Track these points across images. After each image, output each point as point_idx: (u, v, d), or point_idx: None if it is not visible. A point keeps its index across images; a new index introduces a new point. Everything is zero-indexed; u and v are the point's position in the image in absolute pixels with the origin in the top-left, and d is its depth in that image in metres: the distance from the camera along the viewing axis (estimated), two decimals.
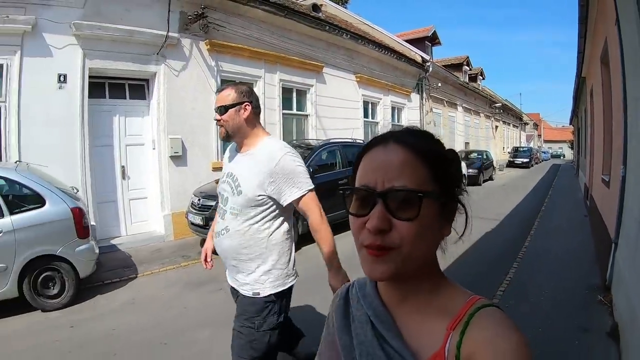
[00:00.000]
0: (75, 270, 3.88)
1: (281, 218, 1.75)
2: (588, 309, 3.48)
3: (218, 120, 1.74)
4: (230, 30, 6.76)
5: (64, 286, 3.84)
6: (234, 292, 1.86)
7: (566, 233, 6.60)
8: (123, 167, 6.22)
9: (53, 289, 3.81)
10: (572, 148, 38.56)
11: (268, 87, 7.45)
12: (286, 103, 8.03)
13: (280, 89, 7.73)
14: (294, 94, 8.26)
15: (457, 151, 0.62)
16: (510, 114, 28.85)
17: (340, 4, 20.52)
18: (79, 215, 3.89)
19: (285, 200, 1.66)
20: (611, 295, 3.56)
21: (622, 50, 3.43)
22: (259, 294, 1.71)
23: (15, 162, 4.55)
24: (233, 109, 1.70)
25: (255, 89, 7.23)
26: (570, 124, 25.13)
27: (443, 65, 16.34)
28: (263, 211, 1.70)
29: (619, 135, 3.86)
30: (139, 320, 3.46)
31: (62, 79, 5.37)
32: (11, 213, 3.62)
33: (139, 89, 6.32)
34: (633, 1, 2.82)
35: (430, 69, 13.07)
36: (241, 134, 1.74)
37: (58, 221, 3.81)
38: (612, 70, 4.56)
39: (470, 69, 19.71)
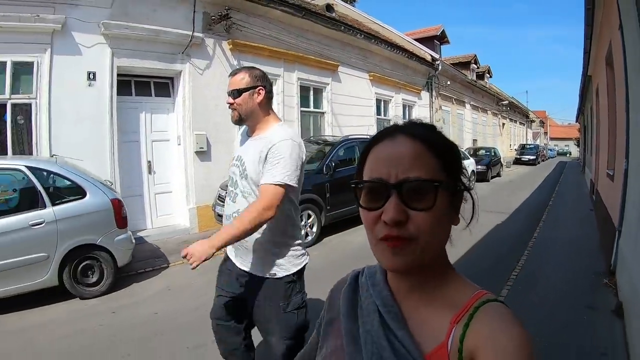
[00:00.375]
0: (113, 259, 4.04)
1: (290, 198, 1.73)
2: (594, 290, 3.81)
3: (231, 104, 1.73)
4: (251, 30, 7.06)
5: (102, 275, 4.00)
6: (242, 274, 1.80)
7: (573, 225, 6.93)
8: (149, 162, 6.51)
9: (92, 277, 3.97)
10: (578, 145, 38.60)
11: (287, 85, 7.80)
12: (303, 101, 8.37)
13: (298, 87, 8.09)
14: (311, 92, 8.62)
15: (465, 148, 0.68)
16: (517, 112, 29.02)
17: (349, 2, 20.84)
18: (118, 206, 4.08)
19: (263, 179, 1.64)
20: (615, 278, 3.89)
21: (625, 54, 3.74)
22: (275, 274, 1.72)
23: (52, 156, 4.79)
24: (247, 93, 1.71)
25: (274, 87, 7.61)
26: (576, 122, 25.29)
27: (451, 64, 16.61)
28: None
29: (622, 132, 4.18)
30: (177, 306, 3.63)
31: (91, 76, 5.62)
32: (53, 204, 3.75)
33: (163, 86, 6.61)
34: (634, 11, 3.15)
35: (440, 67, 13.38)
36: (254, 118, 1.74)
37: (98, 212, 3.98)
38: (616, 71, 4.87)
39: (478, 67, 19.97)
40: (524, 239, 5.81)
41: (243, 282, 1.80)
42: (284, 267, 1.72)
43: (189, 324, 3.19)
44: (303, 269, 1.79)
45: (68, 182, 3.97)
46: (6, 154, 5.14)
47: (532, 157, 24.19)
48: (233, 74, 1.76)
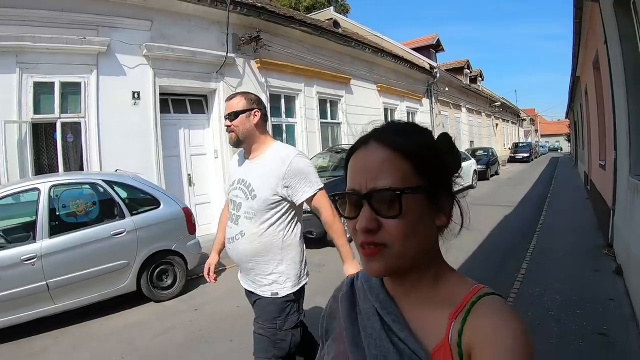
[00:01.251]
0: (185, 263, 4.40)
1: (295, 219, 1.84)
2: (597, 259, 4.64)
3: (228, 127, 1.80)
4: (275, 49, 7.80)
5: (175, 278, 4.33)
6: (250, 294, 1.90)
7: (572, 211, 7.81)
8: (189, 174, 7.13)
9: (166, 280, 4.29)
10: (568, 141, 39.87)
11: (307, 99, 8.63)
12: (321, 113, 9.20)
13: (317, 100, 8.93)
14: (328, 105, 9.47)
15: (464, 149, 0.86)
16: (508, 112, 30.23)
17: (343, 13, 21.88)
18: (188, 213, 4.49)
19: (298, 199, 1.75)
20: (613, 248, 4.73)
21: (610, 65, 4.61)
22: (277, 294, 1.77)
23: (116, 170, 4.96)
24: (243, 115, 1.79)
25: (297, 101, 8.45)
26: (566, 118, 26.48)
27: (446, 70, 17.63)
28: (277, 212, 1.77)
29: (611, 129, 5.05)
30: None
31: (136, 95, 6.03)
32: (131, 214, 4.05)
33: (197, 103, 7.22)
34: (616, 32, 4.03)
35: (438, 75, 14.33)
36: (251, 139, 1.81)
37: (172, 220, 4.33)
38: (603, 76, 5.76)
39: (471, 72, 21.08)
40: (531, 225, 6.65)
41: (252, 301, 1.91)
42: (285, 285, 1.79)
43: None
44: (303, 288, 1.87)
45: (142, 194, 4.33)
46: (57, 170, 5.51)
47: (525, 155, 25.29)
48: (229, 98, 1.85)
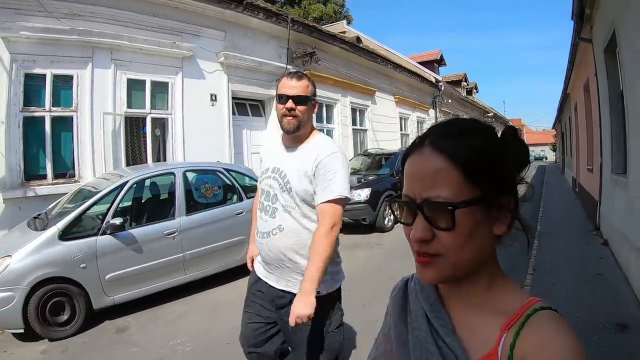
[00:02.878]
0: None
1: None
2: (588, 237, 6.24)
3: (291, 110, 1.62)
4: (319, 63, 9.11)
5: None
6: (281, 295, 1.70)
7: (564, 208, 9.50)
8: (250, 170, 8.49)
9: None
10: (553, 150, 42.28)
11: (342, 108, 10.11)
12: (352, 120, 10.69)
13: (350, 109, 10.43)
14: (357, 114, 10.97)
15: (516, 132, 0.61)
16: (499, 122, 32.32)
17: (348, 24, 23.46)
18: None
19: (318, 197, 1.60)
20: (600, 231, 6.33)
21: (599, 93, 6.25)
22: (319, 292, 1.58)
23: (217, 162, 5.43)
24: (310, 102, 1.67)
25: (334, 109, 9.92)
26: (552, 128, 28.66)
27: (446, 82, 19.40)
28: (315, 209, 1.64)
29: (597, 139, 6.69)
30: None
31: (213, 97, 6.80)
32: (247, 197, 4.80)
33: (255, 108, 8.30)
34: (604, 69, 5.64)
35: (443, 88, 16.04)
36: (306, 129, 1.69)
37: None
38: (592, 98, 7.43)
39: (467, 84, 22.98)
40: (532, 218, 8.26)
41: (280, 304, 1.70)
42: (327, 283, 1.65)
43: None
44: (340, 285, 1.77)
45: (253, 180, 5.00)
46: (146, 161, 6.13)
47: None
48: (297, 77, 1.67)
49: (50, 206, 4.42)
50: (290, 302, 1.60)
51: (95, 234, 3.76)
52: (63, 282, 3.58)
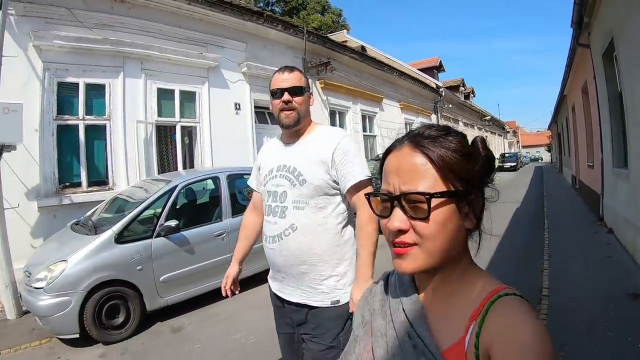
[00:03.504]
0: None
1: (349, 209, 1.59)
2: (593, 227, 6.77)
3: (288, 102, 1.55)
4: (333, 72, 9.64)
5: None
6: (297, 309, 1.57)
7: (567, 203, 10.05)
8: None
9: None
10: (549, 151, 43.09)
11: (354, 115, 10.66)
12: (362, 127, 11.23)
13: (361, 116, 10.97)
14: (367, 120, 11.52)
15: (484, 143, 0.66)
16: (495, 125, 33.15)
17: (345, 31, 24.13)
18: None
19: (347, 183, 1.50)
20: (604, 221, 6.86)
21: (597, 95, 6.82)
22: (339, 301, 1.49)
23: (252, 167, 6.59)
24: (305, 93, 1.60)
25: (347, 116, 10.45)
26: (548, 129, 29.45)
27: (445, 87, 20.09)
28: (333, 200, 1.55)
29: (597, 138, 7.25)
30: None
31: (237, 106, 7.19)
32: None
33: (273, 116, 9.07)
34: (602, 73, 6.21)
35: (443, 93, 16.67)
36: (305, 121, 1.61)
37: None
38: (591, 99, 8.01)
39: (465, 89, 23.70)
40: (539, 212, 8.82)
41: (298, 320, 1.59)
42: (347, 290, 1.51)
43: None
44: None
45: None
46: (176, 169, 6.42)
47: (513, 164, 28.00)
48: (289, 70, 1.60)
49: (88, 214, 4.54)
50: (307, 317, 1.54)
51: (150, 237, 3.86)
52: (119, 284, 3.64)
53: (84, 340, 3.47)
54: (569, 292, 3.81)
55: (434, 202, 0.59)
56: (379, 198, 0.65)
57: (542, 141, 49.05)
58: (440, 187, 0.60)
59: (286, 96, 1.54)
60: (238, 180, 5.03)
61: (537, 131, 56.63)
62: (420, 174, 0.60)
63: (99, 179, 5.72)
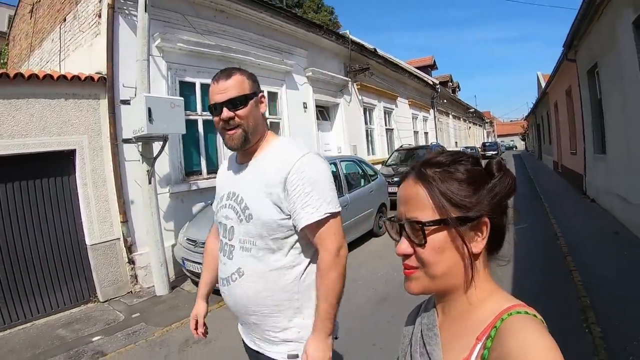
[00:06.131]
0: (387, 209, 7.35)
1: (313, 247, 1.31)
2: (578, 199, 9.25)
3: (230, 120, 1.28)
4: (372, 77, 11.69)
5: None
6: (255, 355, 1.40)
7: (553, 183, 12.70)
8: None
9: (381, 224, 6.97)
10: (523, 140, 46.72)
11: (378, 111, 12.75)
12: (384, 121, 13.37)
13: (383, 112, 13.10)
14: (386, 115, 13.67)
15: (501, 165, 0.70)
16: (475, 116, 36.24)
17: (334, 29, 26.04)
18: (385, 181, 7.56)
19: (299, 222, 1.23)
20: (587, 194, 9.33)
21: (581, 99, 9.23)
22: (297, 356, 1.29)
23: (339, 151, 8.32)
24: (252, 101, 1.32)
25: (374, 113, 12.55)
26: (525, 119, 32.65)
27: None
28: (288, 239, 1.28)
29: (580, 129, 9.68)
30: None
31: (305, 105, 8.63)
32: (371, 181, 6.87)
33: (321, 113, 10.39)
34: (586, 84, 8.60)
35: (440, 90, 19.08)
36: (257, 135, 1.34)
37: (383, 184, 7.30)
38: (574, 101, 10.46)
39: (452, 84, 26.33)
40: (533, 190, 11.32)
41: None
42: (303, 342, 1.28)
43: None
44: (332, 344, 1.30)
45: (367, 169, 7.14)
46: None
47: (494, 152, 31.03)
48: (226, 75, 1.31)
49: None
50: None
51: None
52: None
53: None
54: (575, 234, 6.11)
55: (428, 229, 0.64)
56: (391, 223, 0.73)
57: (517, 130, 52.75)
58: (434, 216, 0.65)
59: (225, 113, 1.28)
60: (346, 165, 6.63)
61: (511, 121, 60.78)
62: (420, 203, 0.66)
63: (213, 168, 6.59)
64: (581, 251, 5.13)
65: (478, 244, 0.66)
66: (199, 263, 4.34)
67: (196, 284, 4.78)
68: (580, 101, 9.44)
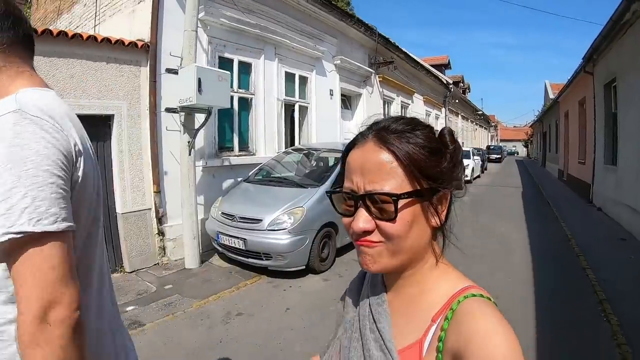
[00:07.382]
0: None
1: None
2: (585, 206, 9.77)
3: None
4: (395, 71, 12.06)
5: None
6: None
7: (559, 190, 13.22)
8: None
9: None
10: (526, 146, 47.28)
11: (396, 105, 13.13)
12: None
13: (401, 106, 13.50)
14: (403, 110, 14.05)
15: (452, 135, 0.66)
16: (482, 118, 36.71)
17: None
18: None
19: None
20: (593, 203, 9.85)
21: (595, 111, 9.67)
22: None
23: None
24: None
25: (392, 106, 12.93)
26: (530, 126, 33.19)
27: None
28: None
29: (591, 140, 10.15)
30: None
31: (331, 92, 8.73)
32: None
33: (344, 102, 10.33)
34: (601, 95, 9.05)
35: (452, 89, 19.46)
36: None
37: None
38: (588, 113, 10.91)
39: (464, 85, 26.69)
40: (540, 195, 11.83)
41: None
42: None
43: None
44: None
45: None
46: (293, 143, 7.84)
47: (498, 156, 31.70)
48: None
49: (250, 174, 5.93)
50: None
51: None
52: (329, 226, 4.79)
53: (295, 272, 4.51)
54: (585, 238, 6.60)
55: (401, 202, 0.58)
56: (342, 195, 0.64)
57: (520, 136, 53.31)
58: (407, 187, 0.59)
59: None
60: None
61: (514, 126, 61.36)
62: (386, 172, 0.59)
63: (244, 145, 6.76)
64: (592, 253, 5.61)
65: (436, 218, 0.63)
66: (236, 237, 4.62)
67: (227, 259, 5.08)
68: (594, 113, 9.89)
